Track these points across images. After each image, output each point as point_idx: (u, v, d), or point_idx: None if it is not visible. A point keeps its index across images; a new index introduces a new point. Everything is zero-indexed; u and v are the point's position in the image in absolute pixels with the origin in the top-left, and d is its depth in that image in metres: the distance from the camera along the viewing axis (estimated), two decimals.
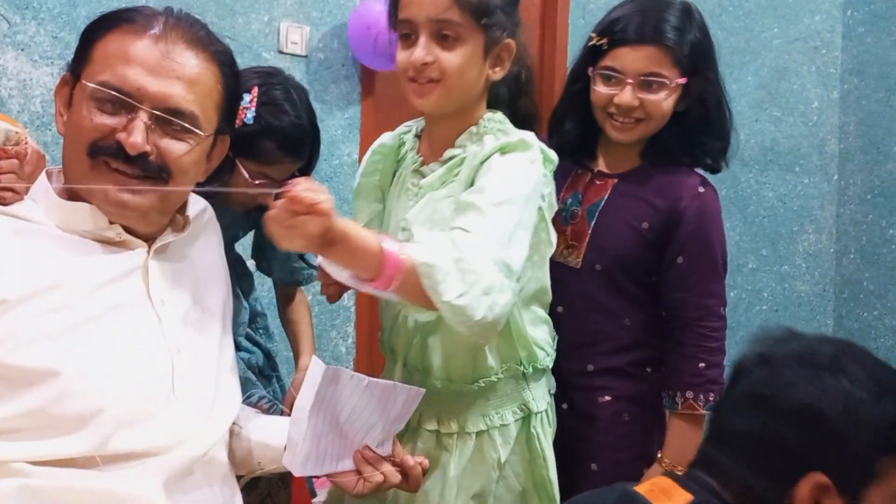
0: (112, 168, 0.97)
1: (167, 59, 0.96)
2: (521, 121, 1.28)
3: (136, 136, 0.95)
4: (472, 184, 1.18)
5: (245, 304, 1.72)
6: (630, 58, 1.35)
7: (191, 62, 0.98)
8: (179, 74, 0.97)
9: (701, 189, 1.40)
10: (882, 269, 2.80)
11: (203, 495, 0.98)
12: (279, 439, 1.10)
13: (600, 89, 1.38)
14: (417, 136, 1.32)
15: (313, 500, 1.80)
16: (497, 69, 1.22)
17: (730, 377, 0.98)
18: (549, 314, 1.35)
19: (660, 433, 1.39)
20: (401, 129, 1.36)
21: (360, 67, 2.46)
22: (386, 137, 1.37)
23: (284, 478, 1.40)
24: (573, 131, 1.45)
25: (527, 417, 1.30)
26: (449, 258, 1.03)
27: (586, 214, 1.42)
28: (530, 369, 1.28)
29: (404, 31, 1.20)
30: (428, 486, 1.25)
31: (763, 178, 2.96)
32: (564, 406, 1.40)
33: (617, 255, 1.38)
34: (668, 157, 1.42)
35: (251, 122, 1.39)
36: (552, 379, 1.37)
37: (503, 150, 1.18)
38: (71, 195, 1.00)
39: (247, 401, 1.22)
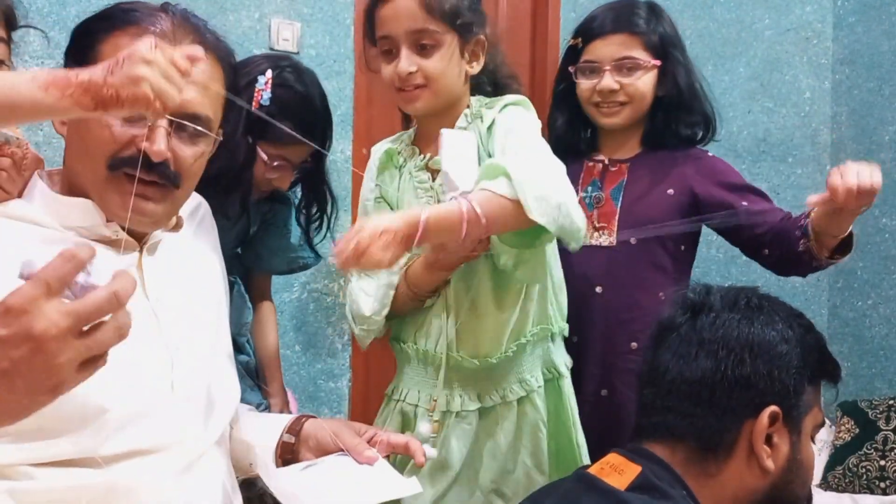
0: (130, 175, 0.96)
1: None
2: (504, 87, 1.39)
3: (161, 144, 0.96)
4: (483, 153, 1.28)
5: (249, 304, 1.72)
6: (603, 47, 1.50)
7: (201, 65, 0.98)
8: (193, 79, 0.96)
9: (703, 150, 1.56)
10: (876, 258, 2.80)
11: (205, 491, 0.97)
12: (270, 440, 1.11)
13: (582, 83, 1.53)
14: (412, 143, 1.38)
15: None
16: (474, 63, 1.33)
17: (654, 339, 1.03)
18: (588, 295, 1.47)
19: None
20: (388, 143, 1.41)
21: (352, 64, 2.45)
22: (382, 146, 1.41)
23: None
24: (564, 127, 1.59)
25: (556, 379, 1.38)
26: (526, 177, 1.13)
27: (610, 197, 1.53)
28: (557, 329, 1.37)
29: (385, 46, 1.29)
30: (485, 461, 1.33)
31: (756, 169, 2.96)
32: (604, 393, 1.45)
33: (652, 222, 1.46)
34: (664, 140, 1.54)
35: (267, 103, 1.41)
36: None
37: (504, 108, 1.30)
38: (69, 193, 1.00)
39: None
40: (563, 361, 1.40)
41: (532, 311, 1.34)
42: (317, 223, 1.65)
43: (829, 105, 3.00)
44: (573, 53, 1.55)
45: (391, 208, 1.39)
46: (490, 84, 1.38)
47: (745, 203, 1.48)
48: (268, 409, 1.65)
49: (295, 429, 1.12)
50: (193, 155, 1.00)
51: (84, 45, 0.99)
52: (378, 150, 1.41)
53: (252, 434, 1.13)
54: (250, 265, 1.73)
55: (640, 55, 1.49)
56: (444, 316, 1.33)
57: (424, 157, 1.35)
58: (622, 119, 1.52)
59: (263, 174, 1.49)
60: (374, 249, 1.02)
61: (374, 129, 2.38)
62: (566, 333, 1.41)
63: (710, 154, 1.57)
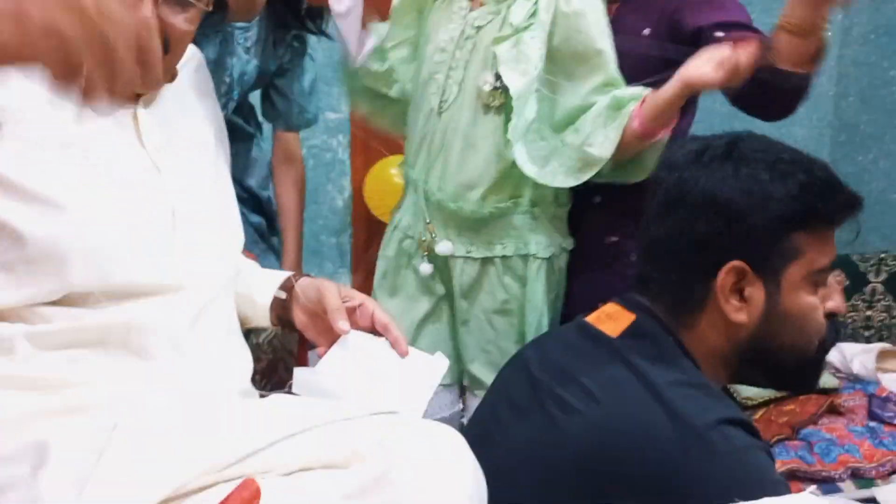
0: None
1: None
2: None
3: (146, 12, 0.92)
4: (557, 33, 1.29)
5: (265, 156, 1.71)
6: None
7: None
8: None
9: None
10: (881, 111, 2.77)
11: (216, 335, 1.01)
12: (265, 297, 1.13)
13: None
14: None
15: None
16: None
17: (648, 195, 1.04)
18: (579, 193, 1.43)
19: None
20: None
21: None
22: None
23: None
24: None
25: (553, 258, 1.43)
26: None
27: None
28: (551, 212, 1.42)
29: None
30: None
31: (765, 18, 2.86)
32: (578, 245, 1.48)
33: (623, 64, 1.35)
34: None
35: None
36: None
37: None
38: None
39: None
40: (547, 245, 1.43)
41: (518, 179, 1.36)
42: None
43: None
44: None
45: (420, 26, 1.40)
46: None
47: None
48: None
49: (287, 286, 1.13)
50: (184, 22, 0.97)
51: None
52: None
53: (249, 288, 1.15)
54: (271, 121, 1.72)
55: None
56: (435, 152, 1.37)
57: None
58: None
59: None
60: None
61: None
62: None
63: None
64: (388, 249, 1.52)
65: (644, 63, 1.34)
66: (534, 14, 1.28)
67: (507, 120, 1.31)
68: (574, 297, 1.49)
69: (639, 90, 1.31)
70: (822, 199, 0.97)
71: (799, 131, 2.97)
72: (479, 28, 1.33)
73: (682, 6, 1.35)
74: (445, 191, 1.39)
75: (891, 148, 2.76)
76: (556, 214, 1.44)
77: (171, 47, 0.98)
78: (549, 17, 1.28)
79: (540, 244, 1.41)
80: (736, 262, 0.94)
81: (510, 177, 1.36)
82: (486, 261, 1.42)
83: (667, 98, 1.25)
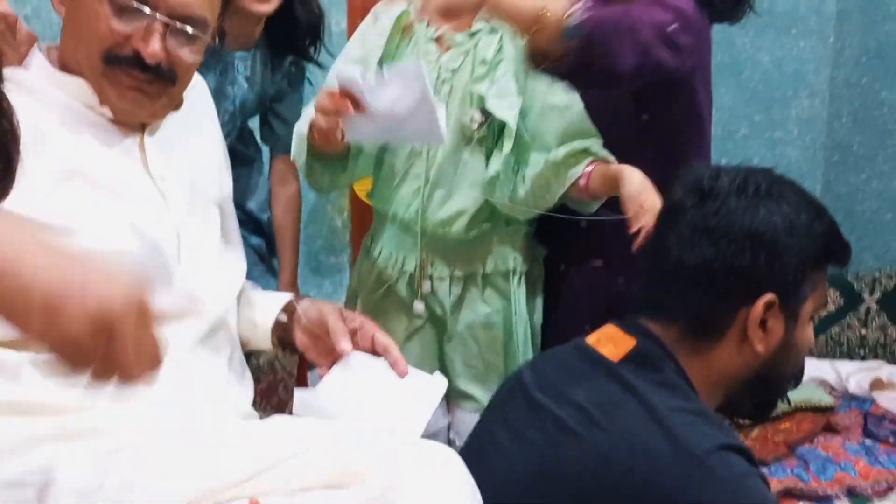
0: (126, 72, 0.96)
1: None
2: None
3: (155, 46, 0.95)
4: (520, 70, 1.33)
5: (265, 180, 1.73)
6: None
7: None
8: None
9: None
10: (873, 132, 2.80)
11: (218, 362, 1.02)
12: (266, 319, 1.15)
13: None
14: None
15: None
16: None
17: (663, 217, 1.05)
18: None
19: None
20: (398, 5, 1.43)
21: None
22: (392, 10, 1.43)
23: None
24: None
25: (531, 269, 1.49)
26: None
27: None
28: (531, 227, 1.49)
29: None
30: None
31: (759, 41, 2.90)
32: (565, 268, 1.49)
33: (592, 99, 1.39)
34: None
35: None
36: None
37: None
38: (65, 70, 1.00)
39: None
40: (524, 258, 1.50)
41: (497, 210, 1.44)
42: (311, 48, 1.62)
43: None
44: None
45: (367, 60, 1.42)
46: None
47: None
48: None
49: (289, 308, 1.15)
50: (190, 53, 1.00)
51: None
52: (388, 12, 1.42)
53: (250, 310, 1.17)
54: (269, 144, 1.74)
55: None
56: (422, 184, 1.42)
57: (435, 29, 1.38)
58: None
59: None
60: None
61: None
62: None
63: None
64: (364, 278, 1.56)
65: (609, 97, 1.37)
66: (500, 49, 1.35)
67: (489, 152, 1.39)
68: (561, 321, 1.52)
69: (594, 147, 1.35)
70: (837, 240, 1.02)
71: (793, 152, 3.01)
72: (454, 71, 1.39)
73: None
74: (432, 221, 1.44)
75: (883, 168, 2.78)
76: (527, 232, 1.53)
77: (178, 77, 1.00)
78: (514, 50, 1.33)
79: (518, 259, 1.50)
80: (771, 295, 0.96)
81: (490, 202, 1.43)
82: (469, 279, 1.48)
83: (612, 174, 1.30)
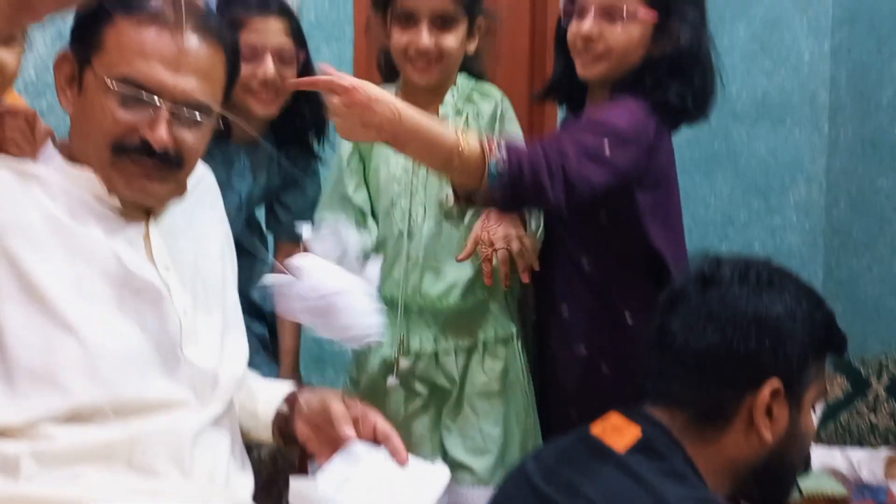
0: (134, 161, 0.99)
1: (184, 53, 0.99)
2: (479, 66, 1.54)
3: (162, 133, 0.98)
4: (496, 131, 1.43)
5: (268, 265, 1.74)
6: None
7: (204, 53, 1.00)
8: (196, 68, 0.99)
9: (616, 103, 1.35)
10: (871, 218, 2.83)
11: (218, 452, 1.01)
12: (268, 410, 1.14)
13: (570, 25, 1.39)
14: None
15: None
16: (472, 43, 1.46)
17: (666, 305, 1.05)
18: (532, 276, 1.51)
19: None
20: None
21: (352, 29, 2.45)
22: None
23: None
24: (558, 73, 1.50)
25: (526, 333, 1.55)
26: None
27: None
28: (516, 296, 1.53)
29: (402, 16, 1.40)
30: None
31: (754, 131, 2.97)
32: (551, 356, 1.49)
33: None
34: (632, 92, 1.36)
35: None
36: None
37: (502, 108, 1.48)
38: (75, 162, 1.02)
39: None
40: (520, 321, 1.55)
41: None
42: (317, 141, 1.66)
43: (828, 66, 2.99)
44: None
45: (364, 164, 1.54)
46: (469, 61, 1.50)
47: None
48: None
49: (290, 399, 1.15)
50: (195, 138, 1.03)
51: (88, 29, 1.01)
52: None
53: (252, 401, 1.16)
54: (274, 233, 1.76)
55: (632, 3, 1.31)
56: (411, 267, 1.49)
57: None
58: (598, 71, 1.36)
59: (240, 87, 1.44)
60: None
61: None
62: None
63: (631, 100, 1.34)
64: (363, 362, 1.58)
65: None
66: (465, 126, 1.45)
67: (472, 221, 1.46)
68: (551, 408, 1.51)
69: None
70: (836, 329, 1.03)
71: (793, 238, 3.03)
72: None
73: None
74: (429, 297, 1.48)
75: (884, 254, 2.80)
76: (520, 297, 1.58)
77: (184, 162, 1.03)
78: (476, 123, 1.45)
79: (515, 324, 1.55)
80: (776, 383, 0.97)
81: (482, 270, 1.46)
82: (471, 349, 1.51)
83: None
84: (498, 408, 1.49)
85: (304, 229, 1.20)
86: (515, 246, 1.35)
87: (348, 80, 1.12)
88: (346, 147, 1.55)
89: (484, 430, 1.49)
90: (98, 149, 1.00)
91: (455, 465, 1.50)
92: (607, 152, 1.26)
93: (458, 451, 1.50)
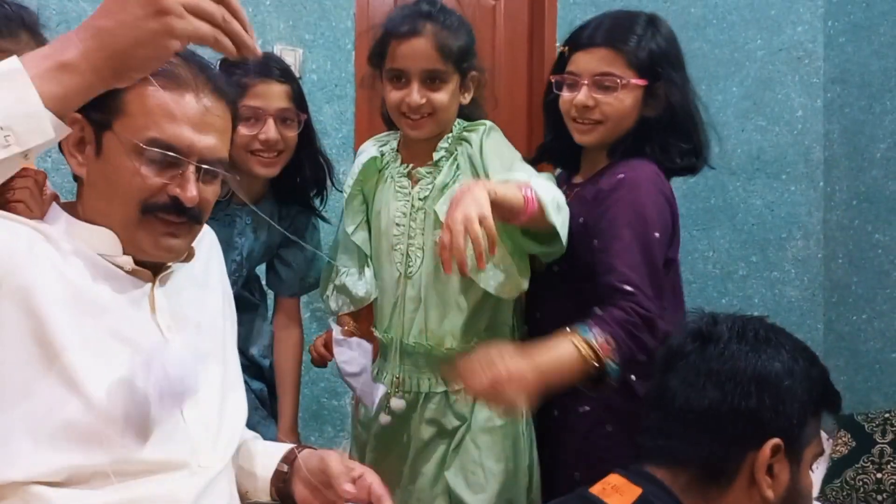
0: (161, 218, 1.01)
1: (207, 113, 1.01)
2: (477, 113, 1.55)
3: (192, 191, 1.00)
4: (475, 171, 1.45)
5: (268, 325, 1.75)
6: (586, 60, 1.41)
7: (220, 112, 1.03)
8: (216, 127, 1.02)
9: (623, 175, 1.37)
10: (869, 272, 2.84)
11: None
12: (267, 470, 1.14)
13: (563, 94, 1.44)
14: (396, 149, 1.56)
15: None
16: (466, 95, 1.50)
17: (662, 364, 1.05)
18: (530, 321, 1.53)
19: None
20: (376, 142, 1.60)
21: (353, 88, 2.50)
22: (370, 151, 1.58)
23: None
24: (550, 139, 1.54)
25: None
26: (543, 191, 1.32)
27: None
28: (516, 337, 1.51)
29: (395, 75, 1.44)
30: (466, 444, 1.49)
31: (751, 186, 3.01)
32: (556, 412, 1.47)
33: (566, 255, 1.38)
34: (633, 154, 1.41)
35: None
36: None
37: (487, 133, 1.48)
38: (88, 222, 1.04)
39: None
40: None
41: (488, 314, 1.49)
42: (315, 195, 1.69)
43: (821, 123, 3.05)
44: (561, 62, 1.46)
45: (367, 206, 1.57)
46: (467, 108, 1.53)
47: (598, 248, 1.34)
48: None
49: (289, 458, 1.15)
50: (213, 193, 1.05)
51: (106, 94, 1.02)
52: (365, 151, 1.59)
53: (250, 461, 1.16)
54: (274, 289, 1.77)
55: (622, 72, 1.37)
56: (411, 311, 1.50)
57: (407, 166, 1.51)
58: (595, 138, 1.42)
59: (244, 148, 1.50)
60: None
61: None
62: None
63: (641, 174, 1.37)
64: (368, 410, 1.58)
65: (577, 245, 1.38)
66: (457, 169, 1.47)
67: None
68: (552, 464, 1.49)
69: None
70: (830, 387, 1.04)
71: (792, 292, 3.04)
72: (423, 199, 1.50)
73: (603, 215, 1.37)
74: (429, 342, 1.48)
75: (883, 308, 2.80)
76: (522, 335, 1.56)
77: (203, 216, 1.05)
78: (466, 164, 1.46)
79: None
80: (777, 440, 0.97)
81: (481, 310, 1.48)
82: None
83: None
84: (499, 443, 1.48)
85: (335, 329, 1.42)
86: (473, 231, 1.20)
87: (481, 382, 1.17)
88: (347, 186, 1.58)
89: (486, 465, 1.48)
90: (125, 208, 1.01)
91: (457, 502, 1.49)
92: (658, 259, 1.34)
93: (459, 487, 1.49)
